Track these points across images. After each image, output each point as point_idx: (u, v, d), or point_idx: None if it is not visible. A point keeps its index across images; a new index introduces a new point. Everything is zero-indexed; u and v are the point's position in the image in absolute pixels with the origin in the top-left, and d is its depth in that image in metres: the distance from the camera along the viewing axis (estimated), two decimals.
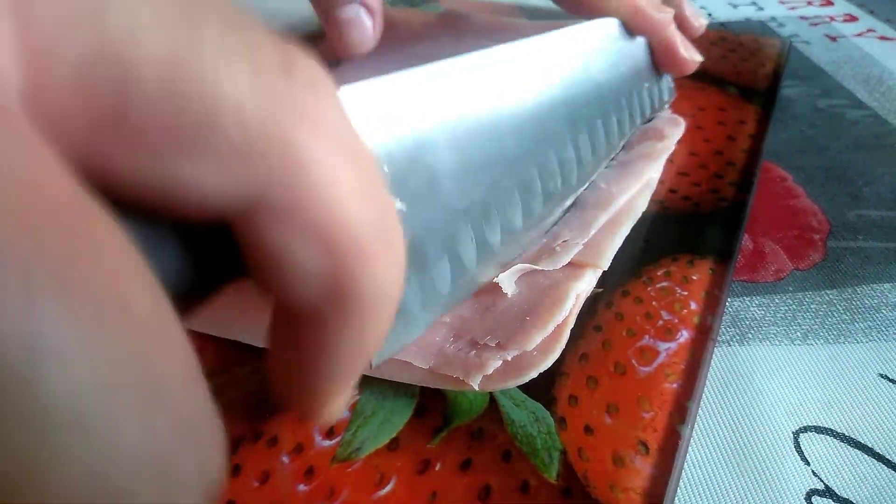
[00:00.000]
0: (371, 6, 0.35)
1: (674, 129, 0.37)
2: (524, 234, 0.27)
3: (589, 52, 0.32)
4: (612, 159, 0.34)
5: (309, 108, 0.11)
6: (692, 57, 0.38)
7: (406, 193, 0.20)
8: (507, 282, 0.26)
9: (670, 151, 0.36)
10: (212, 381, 0.28)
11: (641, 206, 0.32)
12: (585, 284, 0.27)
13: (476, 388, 0.24)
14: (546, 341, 0.25)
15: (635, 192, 0.32)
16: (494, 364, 0.24)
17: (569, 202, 0.30)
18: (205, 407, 0.10)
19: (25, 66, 0.09)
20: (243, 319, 0.26)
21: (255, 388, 0.25)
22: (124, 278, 0.09)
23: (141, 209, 0.11)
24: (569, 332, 0.26)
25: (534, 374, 0.24)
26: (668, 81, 0.40)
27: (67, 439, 0.08)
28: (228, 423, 0.27)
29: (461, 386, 0.24)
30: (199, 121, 0.10)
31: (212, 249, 0.12)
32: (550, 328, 0.25)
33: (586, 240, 0.29)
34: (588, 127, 0.31)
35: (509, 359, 0.24)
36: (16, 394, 0.08)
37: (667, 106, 0.41)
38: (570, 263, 0.28)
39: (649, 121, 0.39)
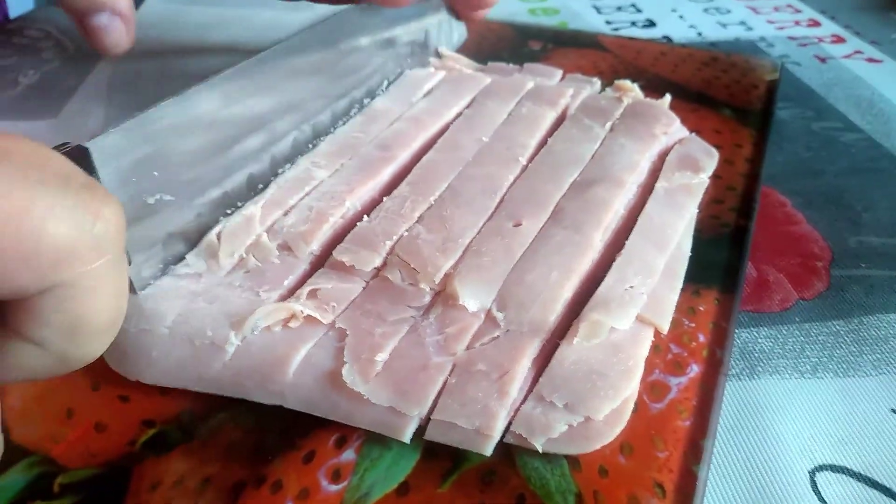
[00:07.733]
0: (123, 12, 0.39)
1: (708, 161, 0.37)
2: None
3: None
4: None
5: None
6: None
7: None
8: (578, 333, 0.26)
9: (706, 185, 0.35)
10: (210, 420, 0.27)
11: (688, 247, 0.32)
12: (647, 349, 0.26)
13: (540, 449, 0.23)
14: (612, 413, 0.24)
15: (682, 231, 0.32)
16: (560, 428, 0.23)
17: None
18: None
19: None
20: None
21: (255, 425, 0.24)
22: None
23: None
24: (633, 403, 0.25)
25: (597, 446, 0.23)
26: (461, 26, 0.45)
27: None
28: (229, 467, 0.25)
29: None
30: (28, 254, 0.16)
31: None
32: (619, 401, 0.24)
33: (650, 289, 0.28)
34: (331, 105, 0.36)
35: (575, 424, 0.23)
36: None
37: (456, 44, 0.45)
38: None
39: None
